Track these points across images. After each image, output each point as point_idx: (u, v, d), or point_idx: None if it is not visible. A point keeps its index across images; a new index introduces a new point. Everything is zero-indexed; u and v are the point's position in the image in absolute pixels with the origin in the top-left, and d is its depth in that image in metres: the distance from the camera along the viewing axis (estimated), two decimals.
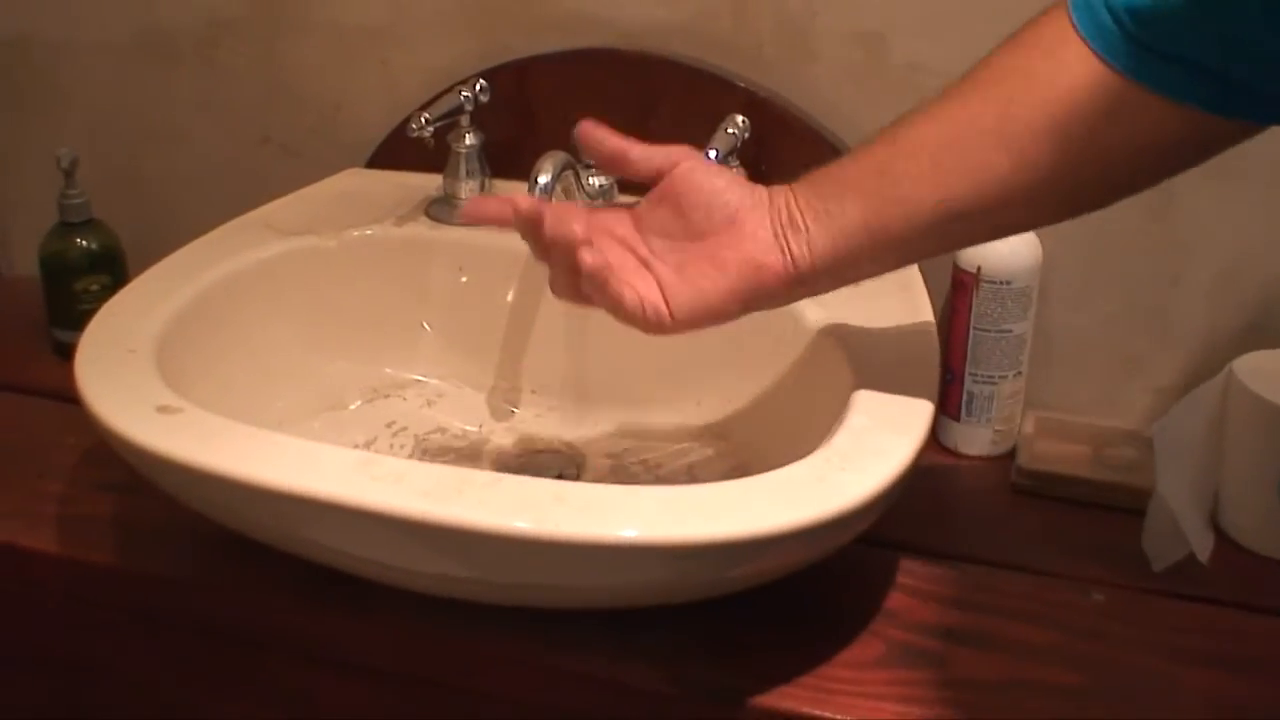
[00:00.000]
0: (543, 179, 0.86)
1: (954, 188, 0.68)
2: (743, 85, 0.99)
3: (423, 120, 0.96)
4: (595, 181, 0.95)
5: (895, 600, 0.80)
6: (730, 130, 0.93)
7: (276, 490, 0.68)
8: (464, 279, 0.98)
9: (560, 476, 0.90)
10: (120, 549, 0.84)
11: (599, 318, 0.95)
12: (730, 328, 0.90)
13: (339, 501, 0.67)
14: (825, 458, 0.70)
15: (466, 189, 1.01)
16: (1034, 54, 0.67)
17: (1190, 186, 0.92)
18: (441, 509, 0.66)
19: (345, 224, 0.99)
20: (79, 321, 1.02)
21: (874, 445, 0.71)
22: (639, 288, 0.71)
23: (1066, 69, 0.65)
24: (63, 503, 0.89)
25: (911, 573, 0.83)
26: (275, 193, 1.05)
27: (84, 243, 1.07)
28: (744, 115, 0.94)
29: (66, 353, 1.05)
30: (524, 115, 1.04)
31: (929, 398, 0.77)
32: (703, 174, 0.74)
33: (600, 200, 0.96)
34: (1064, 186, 0.67)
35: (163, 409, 0.75)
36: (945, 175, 0.68)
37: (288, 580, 0.79)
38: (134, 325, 0.84)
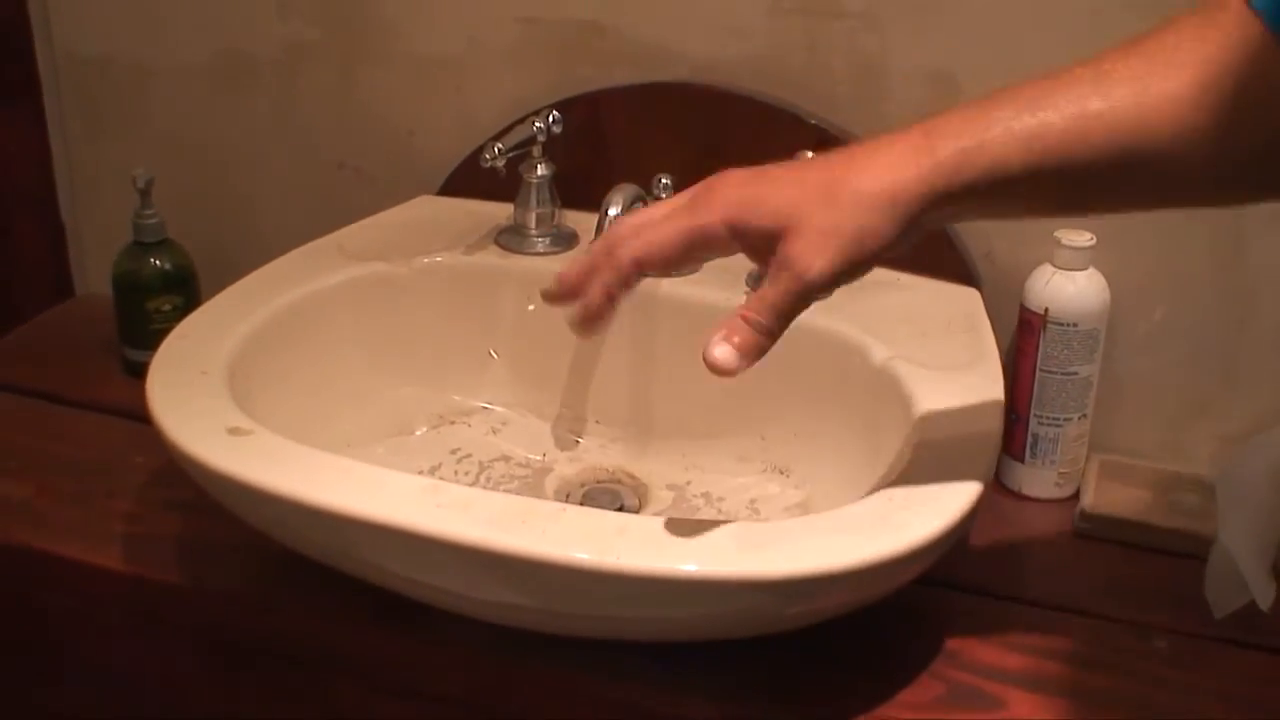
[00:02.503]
0: (613, 210, 0.87)
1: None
2: (814, 122, 0.99)
3: (496, 150, 0.97)
4: None
5: (956, 642, 0.80)
6: None
7: (343, 515, 0.69)
8: (531, 307, 0.99)
9: (622, 507, 0.90)
10: (186, 567, 0.86)
11: (664, 349, 0.96)
12: (792, 361, 0.91)
13: (404, 528, 0.68)
14: (887, 497, 0.70)
15: (537, 219, 1.02)
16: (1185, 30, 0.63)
17: (1259, 231, 0.92)
18: (505, 538, 0.67)
19: (416, 251, 1.00)
20: (151, 341, 1.04)
21: (937, 486, 0.71)
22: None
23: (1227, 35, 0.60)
24: (130, 520, 0.91)
25: (973, 614, 0.82)
26: (349, 217, 1.06)
27: (157, 262, 1.09)
28: (815, 152, 0.94)
29: (138, 371, 1.08)
30: (596, 146, 1.05)
31: (993, 439, 0.77)
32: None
33: None
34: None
35: (233, 431, 0.76)
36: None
37: (351, 603, 0.80)
38: (206, 347, 0.86)
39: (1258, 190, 0.65)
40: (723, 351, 0.66)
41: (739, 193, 0.67)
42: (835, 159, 0.67)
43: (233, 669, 0.86)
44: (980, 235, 0.99)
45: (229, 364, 0.84)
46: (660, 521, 0.69)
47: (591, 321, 0.71)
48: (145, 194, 1.08)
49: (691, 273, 0.97)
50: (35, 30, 1.24)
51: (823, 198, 0.65)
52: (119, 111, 1.24)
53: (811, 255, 0.64)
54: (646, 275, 0.70)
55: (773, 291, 0.65)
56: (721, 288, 0.96)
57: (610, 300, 0.70)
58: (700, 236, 0.67)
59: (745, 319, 0.66)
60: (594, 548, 0.66)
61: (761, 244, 0.66)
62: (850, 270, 0.65)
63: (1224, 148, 0.61)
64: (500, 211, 1.06)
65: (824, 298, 0.66)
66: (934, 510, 0.69)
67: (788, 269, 0.64)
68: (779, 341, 0.92)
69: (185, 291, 1.10)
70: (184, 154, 1.22)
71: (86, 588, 0.87)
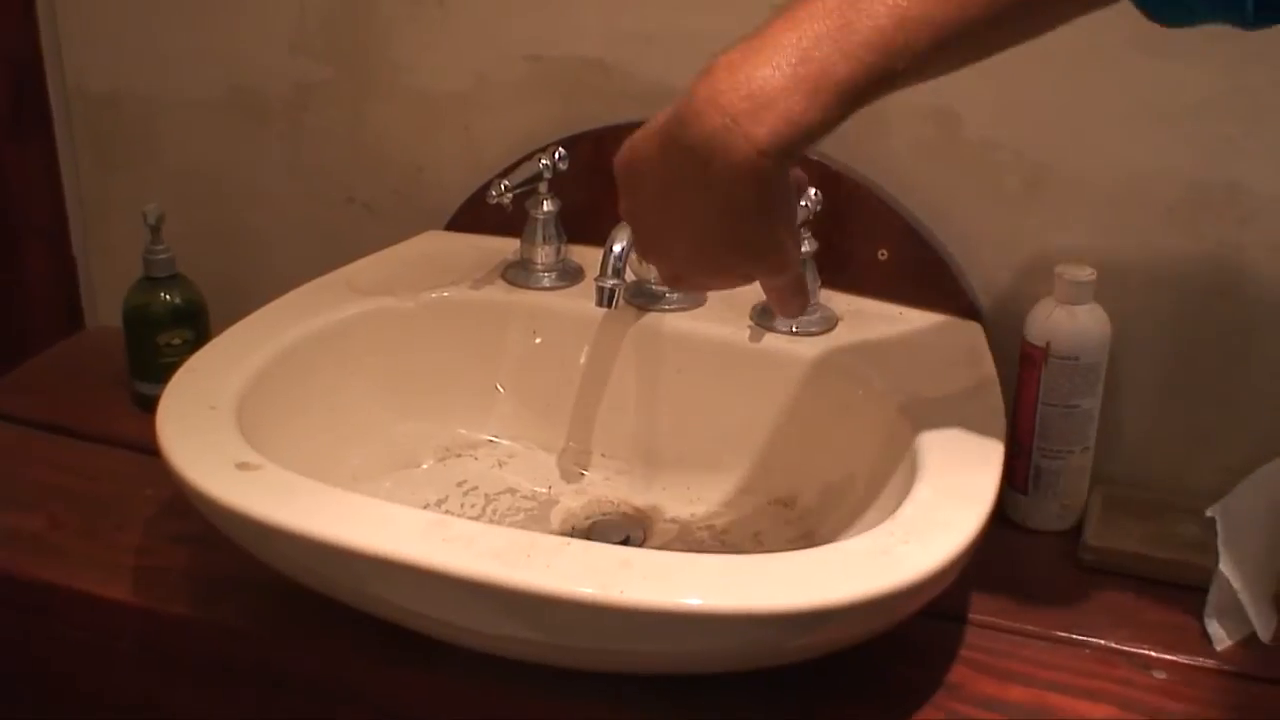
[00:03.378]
0: (617, 247, 0.88)
1: None
2: (815, 158, 1.00)
3: (503, 187, 0.98)
4: None
5: (958, 673, 0.80)
6: (803, 203, 0.94)
7: (349, 549, 0.70)
8: (538, 340, 1.00)
9: (627, 540, 0.91)
10: (195, 600, 0.86)
11: (669, 382, 0.97)
12: (796, 395, 0.92)
13: (411, 562, 0.69)
14: (889, 530, 0.71)
15: (544, 254, 1.03)
16: None
17: (1260, 262, 0.92)
18: (510, 572, 0.67)
19: (423, 285, 1.02)
20: (160, 374, 1.05)
21: (939, 518, 0.72)
22: None
23: None
24: (139, 553, 0.91)
25: (975, 646, 0.83)
26: (357, 252, 1.07)
27: (168, 297, 1.10)
28: (817, 188, 0.95)
29: (147, 405, 1.09)
30: (601, 182, 1.05)
31: (995, 471, 0.78)
32: None
33: None
34: None
35: (241, 465, 0.77)
36: None
37: (357, 636, 0.81)
38: (215, 381, 0.87)
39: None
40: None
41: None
42: None
43: (239, 702, 0.87)
44: (981, 268, 0.99)
45: (238, 399, 0.85)
46: (664, 555, 0.69)
47: None
48: (156, 229, 1.09)
49: (697, 306, 0.98)
50: (48, 66, 1.26)
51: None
52: (130, 147, 1.26)
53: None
54: None
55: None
56: (725, 322, 0.97)
57: None
58: None
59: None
60: (598, 582, 0.66)
61: None
62: None
63: None
64: (507, 246, 1.07)
65: None
66: (936, 543, 0.70)
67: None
68: (782, 374, 0.93)
69: (195, 326, 1.11)
70: (194, 189, 1.23)
71: (96, 620, 0.88)
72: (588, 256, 1.03)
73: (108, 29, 1.22)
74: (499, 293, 1.02)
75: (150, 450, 0.82)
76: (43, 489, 0.99)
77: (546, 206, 1.03)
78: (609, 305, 0.88)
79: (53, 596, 0.89)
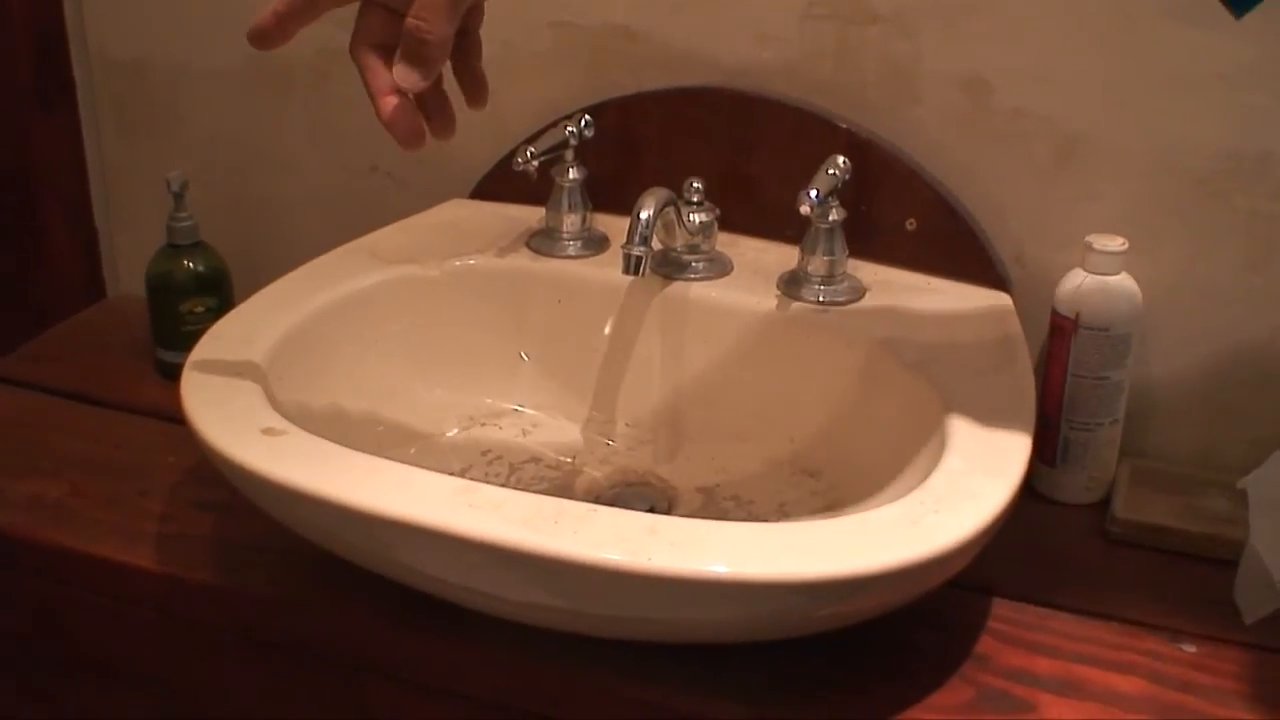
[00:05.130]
0: (644, 214, 0.88)
1: None
2: (845, 126, 0.99)
3: (528, 154, 0.97)
4: (696, 218, 0.97)
5: (986, 644, 0.80)
6: (831, 171, 0.93)
7: (375, 515, 0.70)
8: (562, 307, 1.00)
9: (652, 510, 0.90)
10: (218, 567, 0.86)
11: (694, 352, 0.97)
12: (823, 365, 0.91)
13: (437, 527, 0.69)
14: (919, 500, 0.70)
15: (569, 222, 1.02)
16: None
17: None
18: (537, 538, 0.67)
19: (448, 254, 1.01)
20: (184, 342, 1.05)
21: (968, 489, 0.71)
22: None
23: None
24: (163, 520, 0.91)
25: (1003, 618, 0.82)
26: (381, 220, 1.07)
27: (191, 265, 1.10)
28: (845, 156, 0.94)
29: (171, 373, 1.09)
30: (627, 150, 1.05)
31: (1024, 443, 0.77)
32: None
33: (701, 236, 0.97)
34: None
35: (267, 431, 0.77)
36: None
37: (382, 603, 0.81)
38: (240, 349, 0.86)
39: None
40: (401, 70, 0.69)
41: None
42: None
43: (264, 669, 0.87)
44: (1011, 239, 0.99)
45: (263, 365, 0.85)
46: (691, 522, 0.69)
47: (257, 35, 0.72)
48: (179, 197, 1.09)
49: (723, 275, 0.97)
50: (70, 34, 1.26)
51: None
52: (152, 115, 1.25)
53: None
54: (320, 5, 0.71)
55: None
56: (752, 291, 0.96)
57: (276, 18, 0.71)
58: None
59: (410, 28, 0.67)
60: (625, 549, 0.66)
61: None
62: None
63: None
64: (532, 215, 1.06)
65: None
66: (965, 514, 0.69)
67: None
68: (809, 343, 0.93)
69: (218, 293, 1.11)
70: (217, 157, 1.23)
71: (119, 587, 0.88)
72: (613, 225, 1.03)
73: None
74: (524, 261, 1.02)
75: (173, 418, 0.82)
76: (65, 456, 0.99)
77: (572, 174, 1.02)
78: (635, 273, 0.87)
79: (74, 563, 0.89)
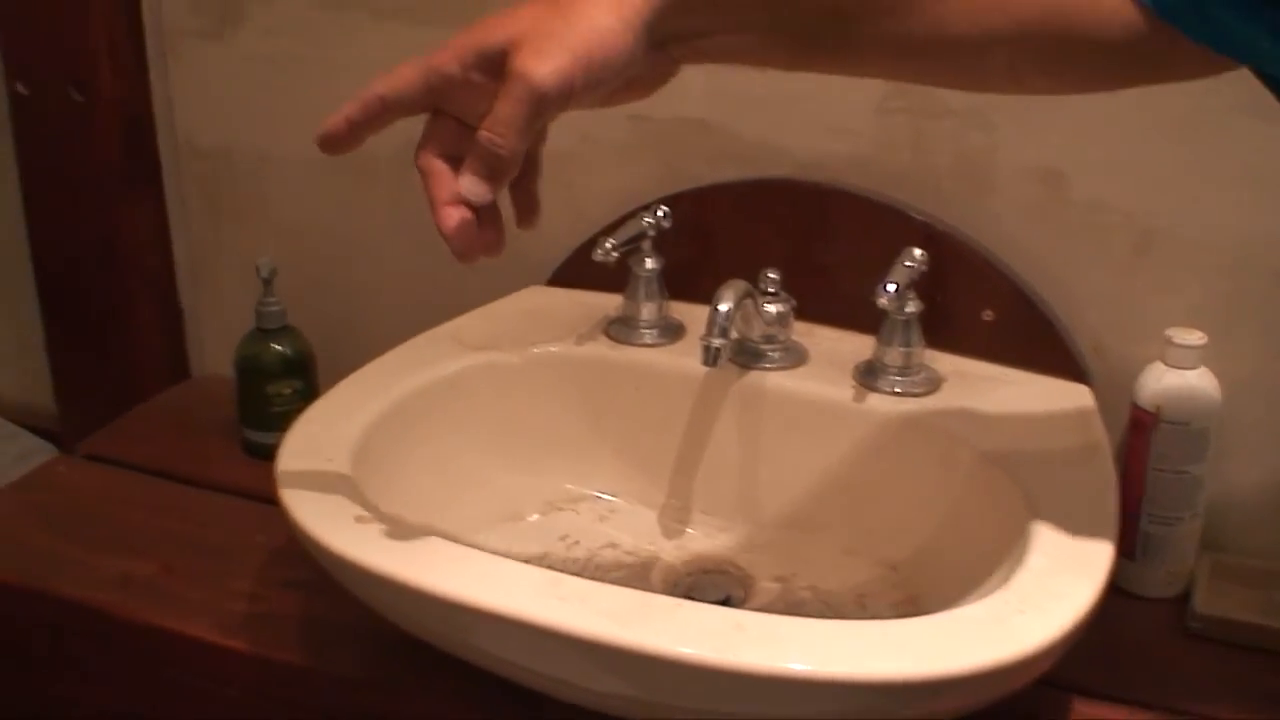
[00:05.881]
0: (723, 306, 0.89)
1: None
2: (920, 218, 1.00)
3: (608, 247, 0.99)
4: (772, 308, 0.98)
5: None
6: (908, 263, 0.94)
7: (466, 605, 0.71)
8: (640, 396, 1.01)
9: (728, 599, 0.91)
10: (307, 648, 0.88)
11: (770, 440, 0.97)
12: (900, 456, 0.92)
13: (525, 619, 0.70)
14: (1004, 599, 0.71)
15: (646, 311, 1.04)
16: None
17: None
18: (625, 632, 0.68)
19: (528, 340, 1.03)
20: (271, 423, 1.07)
21: (1054, 589, 0.71)
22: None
23: None
24: (251, 599, 0.93)
25: (1081, 715, 0.82)
26: (460, 306, 1.09)
27: (279, 348, 1.13)
28: (922, 249, 0.95)
29: (258, 452, 1.11)
30: (702, 239, 1.07)
31: (1108, 539, 0.77)
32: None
33: (777, 326, 0.98)
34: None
35: (360, 519, 0.78)
36: None
37: (467, 688, 0.82)
38: (331, 434, 0.88)
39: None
40: (469, 181, 0.68)
41: (471, 28, 0.68)
42: None
43: None
44: (1089, 330, 0.99)
45: (353, 451, 0.87)
46: (778, 619, 0.69)
47: (328, 141, 0.72)
48: (268, 283, 1.12)
49: (799, 365, 0.98)
50: (159, 120, 1.29)
51: (549, 11, 0.65)
52: (237, 199, 1.29)
53: (537, 61, 0.64)
54: (391, 112, 0.71)
55: (505, 105, 0.65)
56: (828, 381, 0.97)
57: (349, 125, 0.71)
58: (434, 68, 0.68)
59: (482, 140, 0.66)
60: (712, 645, 0.67)
61: (496, 68, 0.66)
62: (585, 79, 0.64)
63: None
64: (608, 302, 1.08)
65: (558, 110, 0.66)
66: (1053, 614, 0.69)
67: (516, 79, 0.64)
68: (886, 435, 0.93)
69: (304, 376, 1.13)
70: (302, 242, 1.26)
71: (209, 667, 0.90)
72: (689, 313, 1.04)
73: (219, 86, 1.25)
74: (603, 348, 1.03)
75: (261, 497, 0.84)
76: (155, 534, 1.01)
77: (649, 264, 1.04)
78: (714, 364, 0.89)
79: (166, 642, 0.91)
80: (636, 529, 0.98)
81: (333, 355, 1.12)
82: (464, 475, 0.97)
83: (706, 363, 0.89)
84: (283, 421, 0.92)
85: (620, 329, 1.05)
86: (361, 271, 1.25)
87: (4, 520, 1.04)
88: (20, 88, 1.30)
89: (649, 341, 1.03)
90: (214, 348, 1.34)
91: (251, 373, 1.13)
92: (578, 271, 1.12)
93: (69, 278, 1.34)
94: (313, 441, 0.87)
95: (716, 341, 0.88)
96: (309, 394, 1.12)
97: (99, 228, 1.31)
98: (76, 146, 1.30)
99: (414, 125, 1.15)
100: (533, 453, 1.00)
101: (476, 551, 0.76)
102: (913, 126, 1.01)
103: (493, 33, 0.66)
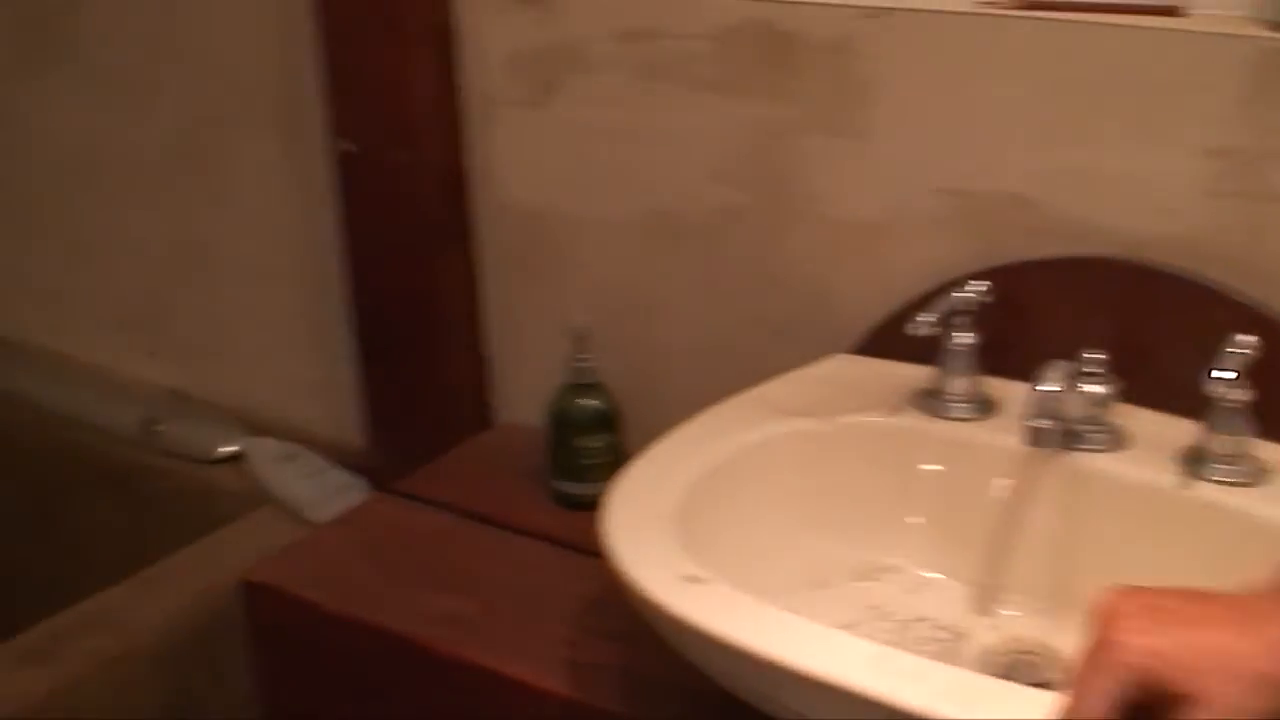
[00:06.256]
0: (1049, 388, 0.89)
1: None
2: (1248, 304, 0.98)
3: (926, 322, 1.00)
4: (1096, 390, 0.97)
5: None
6: (1239, 349, 0.92)
7: (799, 673, 0.74)
8: (948, 470, 1.01)
9: (1042, 683, 0.90)
10: (624, 697, 0.92)
11: (1090, 524, 0.96)
12: (1224, 547, 0.90)
13: (857, 691, 0.71)
14: None
15: (959, 385, 1.04)
16: None
17: None
18: (961, 714, 0.69)
19: (837, 408, 1.05)
20: (580, 475, 1.11)
21: None
22: None
23: None
24: (569, 646, 0.97)
25: None
26: (760, 371, 1.11)
27: (591, 402, 1.17)
28: (1244, 334, 0.92)
29: (567, 502, 1.16)
30: (1017, 316, 1.07)
31: None
32: None
33: (1099, 408, 0.97)
34: None
35: (690, 579, 0.81)
36: None
37: None
38: (654, 492, 0.92)
39: None
40: None
41: (1144, 644, 0.62)
42: (1253, 605, 0.64)
43: None
44: None
45: (674, 510, 0.90)
46: None
47: None
48: (582, 340, 1.17)
49: (1119, 448, 0.97)
50: (475, 180, 1.36)
51: (1234, 671, 0.60)
52: (545, 258, 1.35)
53: None
54: None
55: None
56: (1150, 466, 0.95)
57: None
58: (1115, 709, 0.62)
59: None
60: None
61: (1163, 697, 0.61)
62: None
63: None
64: (914, 373, 1.08)
65: None
66: None
67: None
68: (1210, 525, 0.91)
69: (611, 431, 1.18)
70: (609, 302, 1.31)
71: (529, 708, 0.94)
72: (1000, 389, 1.04)
73: (536, 150, 1.32)
74: (913, 420, 1.04)
75: (570, 545, 0.87)
76: (475, 575, 1.06)
77: (965, 339, 1.04)
78: (1039, 445, 0.88)
79: (487, 680, 0.95)
80: (946, 605, 0.98)
81: (636, 412, 1.16)
82: (772, 539, 0.99)
83: (1035, 444, 0.89)
84: (592, 474, 0.96)
85: (930, 401, 1.05)
86: (663, 331, 1.29)
87: (332, 553, 1.11)
88: (348, 145, 1.39)
89: (961, 416, 1.03)
90: (516, 398, 1.40)
91: (563, 425, 1.18)
92: (882, 342, 1.13)
93: (386, 324, 1.43)
94: (637, 500, 0.91)
95: (1043, 423, 0.88)
96: (613, 448, 1.16)
97: (416, 278, 1.39)
98: (398, 201, 1.38)
99: (726, 192, 1.19)
100: (842, 521, 1.02)
101: (804, 620, 0.78)
102: (1246, 210, 0.99)
103: (1174, 670, 0.60)
